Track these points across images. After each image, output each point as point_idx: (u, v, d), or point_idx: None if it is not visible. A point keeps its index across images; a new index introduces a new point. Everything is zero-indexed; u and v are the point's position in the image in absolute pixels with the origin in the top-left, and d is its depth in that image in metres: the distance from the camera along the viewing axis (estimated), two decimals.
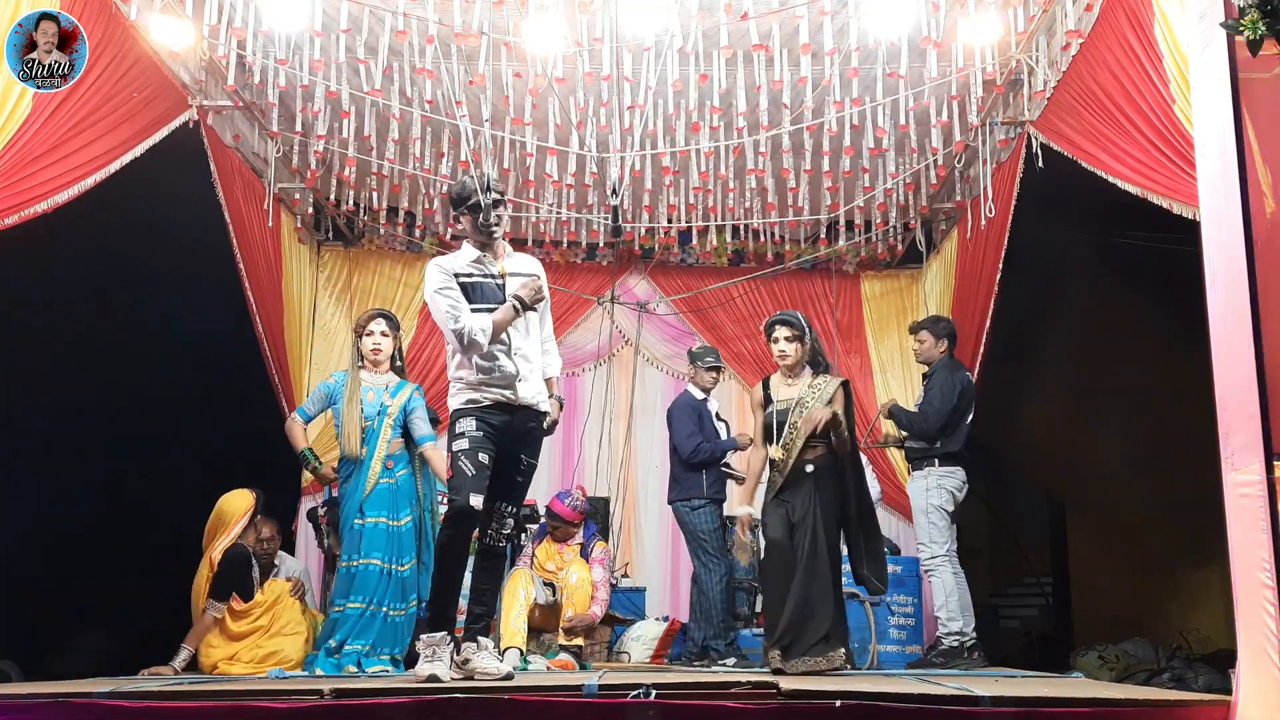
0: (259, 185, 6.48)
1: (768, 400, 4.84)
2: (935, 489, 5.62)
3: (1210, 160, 3.27)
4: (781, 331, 4.84)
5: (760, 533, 5.02)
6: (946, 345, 5.87)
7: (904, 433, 5.89)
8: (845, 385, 4.82)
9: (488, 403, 3.92)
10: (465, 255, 4.07)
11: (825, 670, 4.36)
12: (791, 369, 4.85)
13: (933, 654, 5.54)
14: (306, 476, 6.59)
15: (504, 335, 3.94)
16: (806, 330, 4.86)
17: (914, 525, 5.86)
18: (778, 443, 4.73)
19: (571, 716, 3.19)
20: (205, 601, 5.07)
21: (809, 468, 4.69)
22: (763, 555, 4.99)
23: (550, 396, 4.18)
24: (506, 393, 3.93)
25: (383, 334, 5.08)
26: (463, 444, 3.87)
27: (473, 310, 3.92)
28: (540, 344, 4.14)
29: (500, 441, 3.94)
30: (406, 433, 5.16)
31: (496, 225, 4.01)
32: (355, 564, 4.95)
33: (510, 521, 4.03)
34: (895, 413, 5.93)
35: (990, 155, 6.25)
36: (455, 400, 3.98)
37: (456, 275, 3.99)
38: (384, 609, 4.93)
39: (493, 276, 4.03)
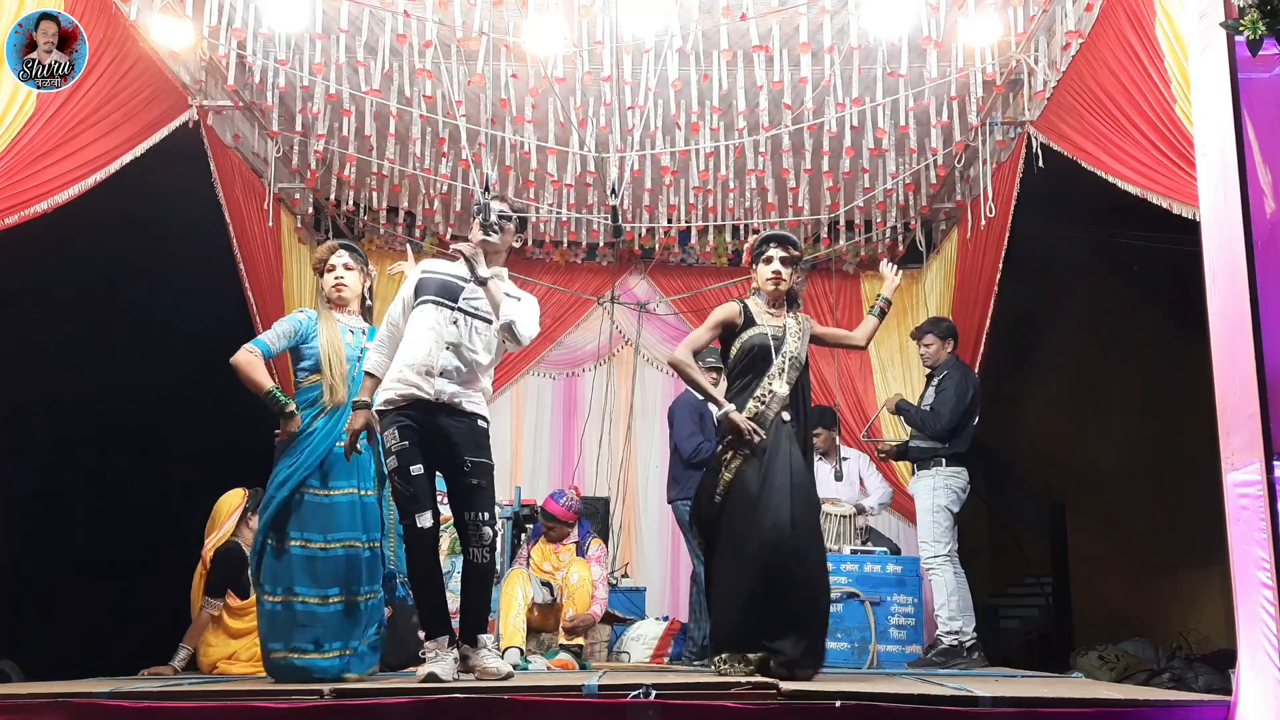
0: (259, 185, 6.48)
1: (749, 321, 4.23)
2: (942, 489, 5.62)
3: (1210, 160, 3.27)
4: (778, 251, 4.26)
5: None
6: (951, 345, 5.89)
7: (911, 431, 5.88)
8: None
9: (403, 401, 3.82)
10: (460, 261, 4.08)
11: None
12: (779, 296, 4.29)
13: (932, 653, 5.54)
14: None
15: (437, 327, 3.84)
16: (800, 256, 4.38)
17: (916, 525, 5.86)
18: (773, 374, 4.14)
19: (571, 716, 3.18)
20: (202, 600, 5.07)
21: (786, 415, 4.11)
22: None
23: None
24: (423, 385, 3.79)
25: (345, 267, 4.34)
26: (391, 461, 3.81)
27: (418, 302, 3.89)
28: (490, 357, 3.95)
29: (428, 447, 3.81)
30: None
31: (495, 230, 4.00)
32: (323, 546, 4.06)
33: (488, 531, 3.84)
34: (904, 408, 5.93)
35: (990, 155, 6.26)
36: (379, 396, 3.87)
37: (424, 271, 4.00)
38: (359, 598, 4.09)
39: (458, 277, 3.96)
